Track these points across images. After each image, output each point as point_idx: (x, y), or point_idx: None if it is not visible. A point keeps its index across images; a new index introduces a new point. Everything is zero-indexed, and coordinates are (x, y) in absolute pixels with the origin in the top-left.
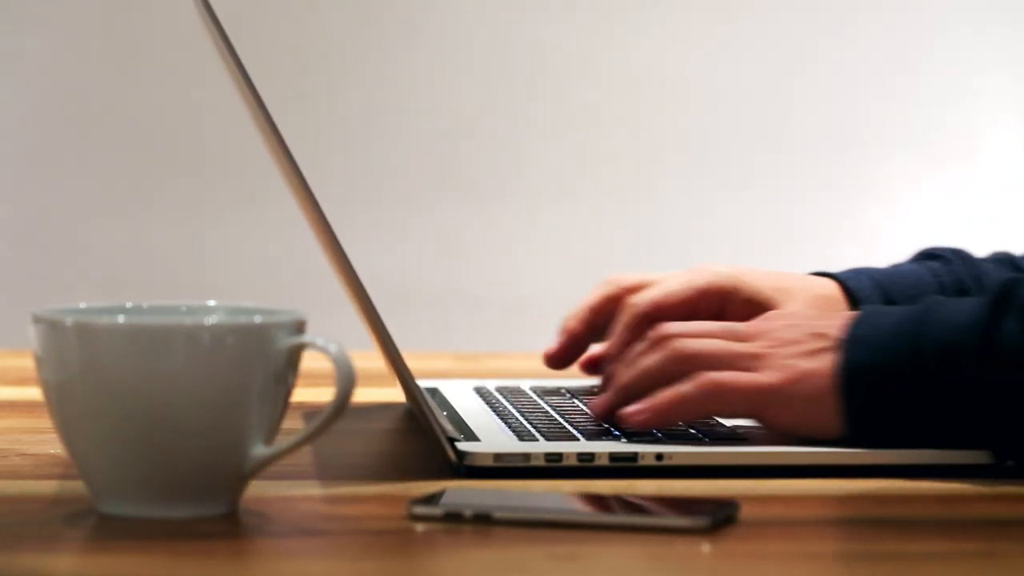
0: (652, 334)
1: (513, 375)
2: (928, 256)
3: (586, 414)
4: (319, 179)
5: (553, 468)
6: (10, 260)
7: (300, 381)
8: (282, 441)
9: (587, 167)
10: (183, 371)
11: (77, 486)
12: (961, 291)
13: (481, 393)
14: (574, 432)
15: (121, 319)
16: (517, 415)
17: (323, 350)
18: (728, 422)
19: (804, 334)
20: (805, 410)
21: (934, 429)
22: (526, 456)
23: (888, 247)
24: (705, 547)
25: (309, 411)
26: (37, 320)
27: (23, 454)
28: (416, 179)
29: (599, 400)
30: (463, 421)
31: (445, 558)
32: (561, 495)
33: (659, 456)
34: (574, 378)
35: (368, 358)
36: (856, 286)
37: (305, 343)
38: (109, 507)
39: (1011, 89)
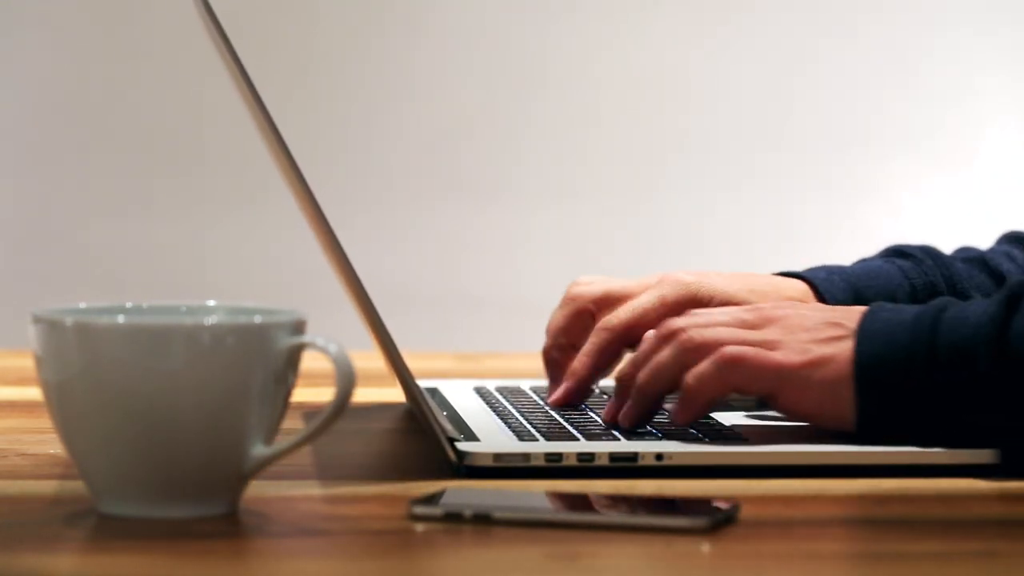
0: (659, 331)
1: (513, 375)
2: (897, 253)
3: (586, 414)
4: (319, 179)
5: (553, 468)
6: (10, 260)
7: (300, 381)
8: (282, 441)
9: (587, 167)
10: (183, 371)
11: (77, 486)
12: (933, 293)
13: (481, 393)
14: (574, 432)
15: (121, 319)
16: (517, 415)
17: (323, 350)
18: (728, 422)
19: (818, 323)
20: (821, 395)
21: (944, 426)
22: (526, 456)
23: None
24: (705, 547)
25: (309, 411)
26: (37, 320)
27: (23, 454)
28: (416, 179)
29: (625, 410)
30: (463, 421)
31: (445, 558)
32: (561, 495)
33: (659, 456)
34: None
35: (368, 358)
36: (827, 288)
37: (305, 343)
38: (109, 507)
39: (1011, 89)
